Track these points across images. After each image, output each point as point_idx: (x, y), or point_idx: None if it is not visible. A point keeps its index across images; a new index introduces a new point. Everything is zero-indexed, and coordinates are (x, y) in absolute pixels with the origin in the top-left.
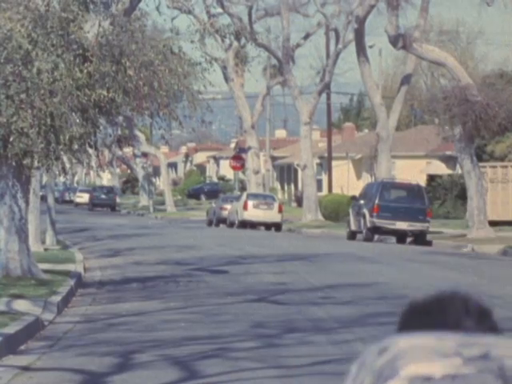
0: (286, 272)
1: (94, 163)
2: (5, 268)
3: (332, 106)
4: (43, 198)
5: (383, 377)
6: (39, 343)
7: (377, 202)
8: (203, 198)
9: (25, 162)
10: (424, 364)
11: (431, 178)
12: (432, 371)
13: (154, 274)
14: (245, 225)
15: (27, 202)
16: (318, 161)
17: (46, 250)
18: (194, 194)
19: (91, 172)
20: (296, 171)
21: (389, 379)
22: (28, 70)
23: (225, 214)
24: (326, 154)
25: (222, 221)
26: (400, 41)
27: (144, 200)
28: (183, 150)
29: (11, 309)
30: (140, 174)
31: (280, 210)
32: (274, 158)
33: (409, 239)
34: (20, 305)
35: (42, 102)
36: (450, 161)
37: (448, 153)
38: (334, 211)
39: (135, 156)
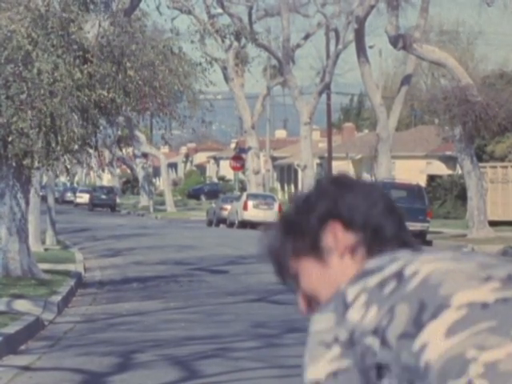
0: None
1: (94, 164)
2: (5, 268)
3: (332, 106)
4: (43, 199)
5: (433, 306)
6: (39, 343)
7: None
8: (203, 198)
9: (25, 162)
10: (471, 290)
11: (431, 179)
12: (483, 297)
13: (154, 273)
14: (245, 225)
15: (27, 202)
16: (318, 161)
17: (46, 250)
18: (194, 195)
19: (91, 172)
20: (296, 171)
21: (443, 309)
22: (28, 71)
23: (225, 214)
24: (326, 154)
25: (222, 221)
26: (400, 41)
27: (144, 200)
28: (183, 150)
29: (11, 309)
30: (140, 174)
31: (280, 210)
32: (274, 159)
33: None
34: (20, 305)
35: (42, 103)
36: (450, 161)
37: (448, 153)
38: None
39: (135, 156)
